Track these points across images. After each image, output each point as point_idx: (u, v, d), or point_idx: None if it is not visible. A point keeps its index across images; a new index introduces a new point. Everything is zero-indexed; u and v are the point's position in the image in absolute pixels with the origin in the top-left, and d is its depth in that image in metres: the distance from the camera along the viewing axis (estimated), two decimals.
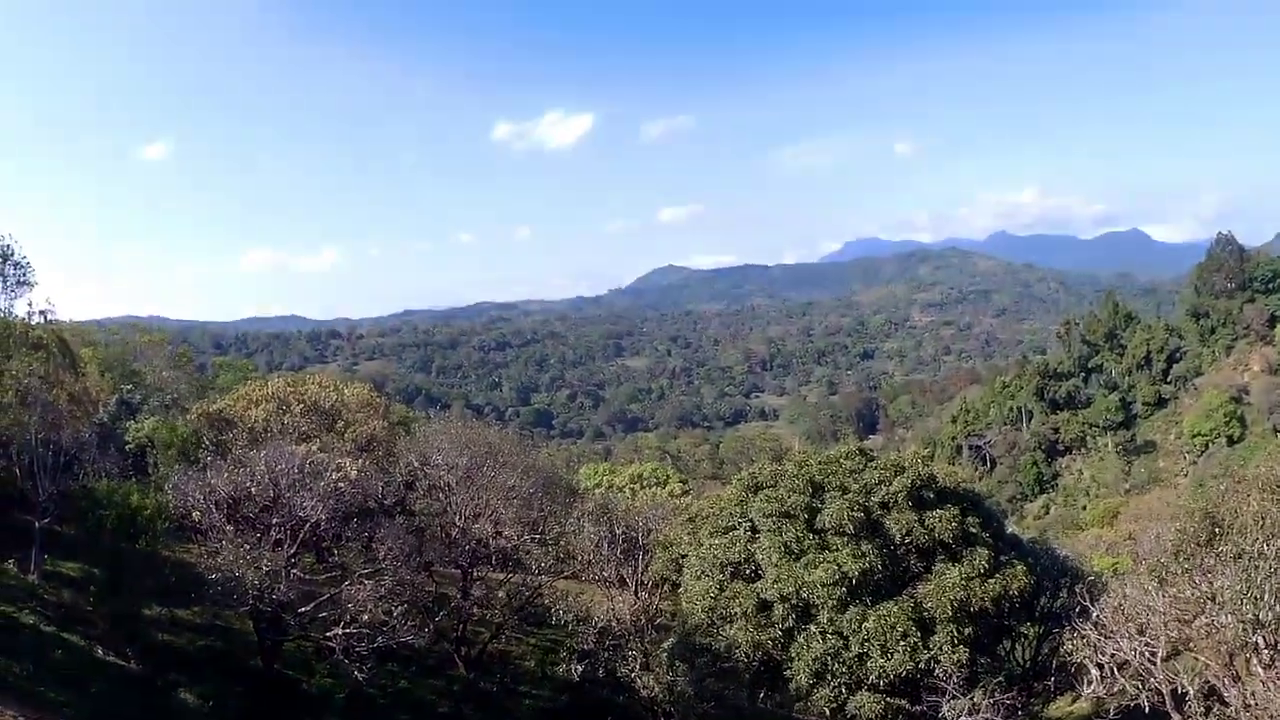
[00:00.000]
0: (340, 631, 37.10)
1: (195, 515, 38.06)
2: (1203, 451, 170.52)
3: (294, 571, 37.66)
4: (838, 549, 38.54)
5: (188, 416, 62.13)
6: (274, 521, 37.72)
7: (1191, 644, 32.08)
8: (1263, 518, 30.81)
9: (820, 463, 44.26)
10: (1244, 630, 28.06)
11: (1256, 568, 28.61)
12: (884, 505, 40.65)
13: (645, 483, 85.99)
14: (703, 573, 41.15)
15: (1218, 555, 31.84)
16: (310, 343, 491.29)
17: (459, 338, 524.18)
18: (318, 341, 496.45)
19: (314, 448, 44.26)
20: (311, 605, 37.52)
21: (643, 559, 49.49)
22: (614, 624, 45.46)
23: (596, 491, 74.84)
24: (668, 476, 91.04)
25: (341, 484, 39.95)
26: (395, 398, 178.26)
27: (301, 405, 57.95)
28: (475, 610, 49.19)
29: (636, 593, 47.91)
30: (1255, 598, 28.06)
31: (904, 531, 39.72)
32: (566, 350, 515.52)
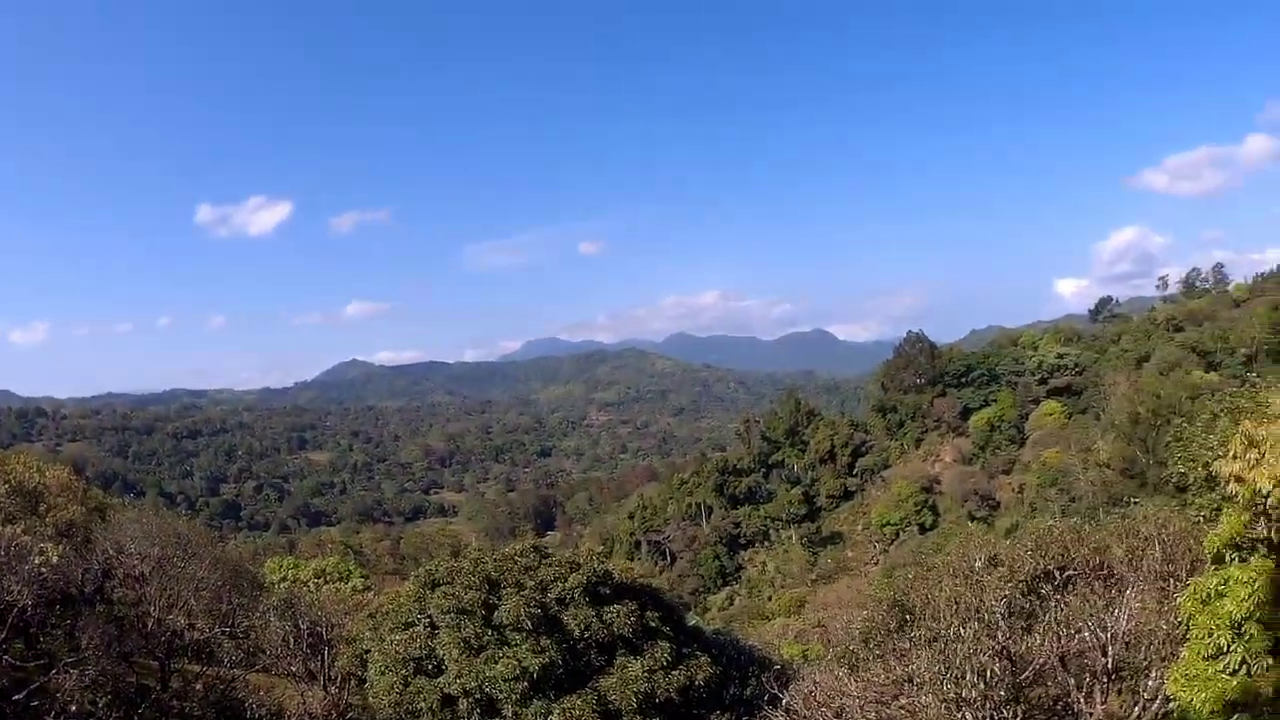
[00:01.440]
0: None
1: None
2: (893, 540, 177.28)
3: (5, 658, 34.86)
4: (517, 644, 38.66)
5: None
6: None
7: None
8: (956, 602, 32.02)
9: (496, 559, 44.69)
10: (947, 709, 28.37)
11: (955, 650, 29.24)
12: (561, 601, 41.04)
13: (329, 577, 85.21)
14: (386, 668, 40.43)
15: (911, 639, 32.69)
16: (19, 419, 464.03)
17: (154, 423, 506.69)
18: (25, 419, 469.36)
19: (18, 530, 40.56)
20: (24, 694, 34.77)
21: (329, 654, 48.73)
22: (306, 719, 44.91)
23: (282, 585, 74.13)
24: (350, 571, 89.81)
25: (44, 569, 36.60)
26: (95, 482, 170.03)
27: (6, 485, 54.03)
28: (175, 703, 46.38)
29: (326, 688, 47.19)
30: (957, 677, 28.46)
31: (583, 627, 40.09)
32: (254, 441, 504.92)
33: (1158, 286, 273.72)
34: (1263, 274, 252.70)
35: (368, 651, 43.77)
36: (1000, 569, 34.40)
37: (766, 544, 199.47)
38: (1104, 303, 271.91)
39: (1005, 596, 32.27)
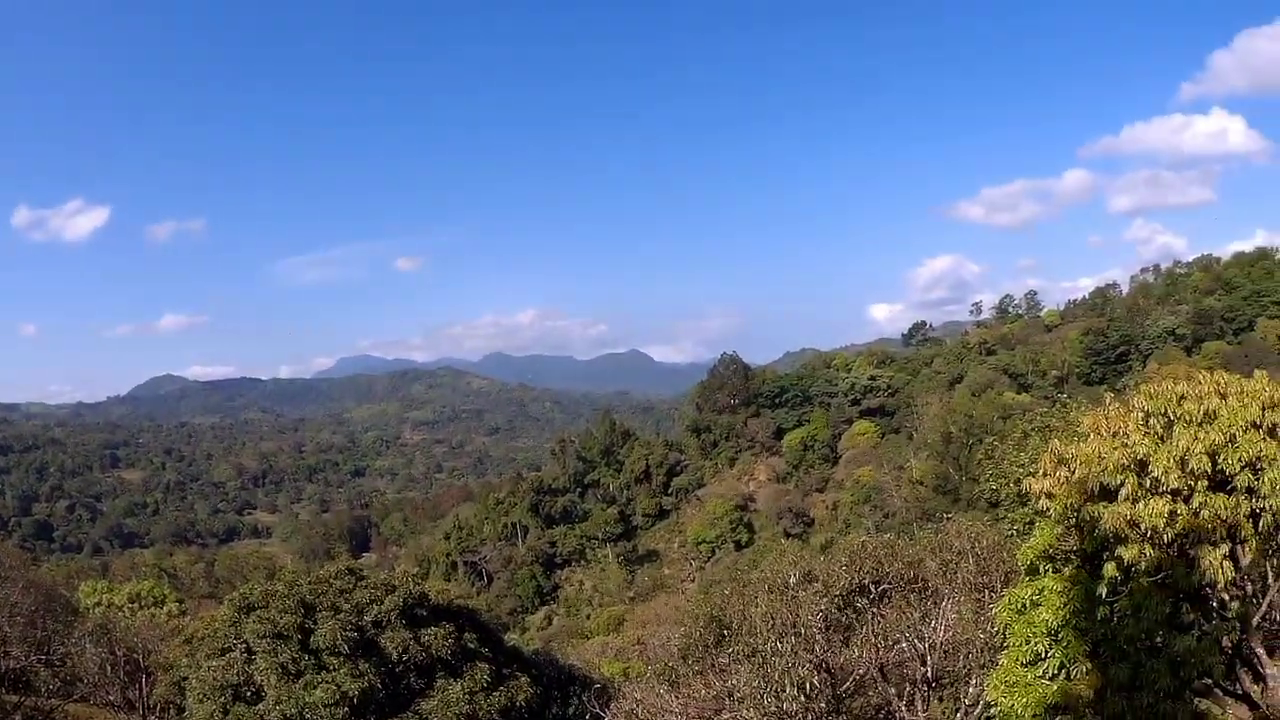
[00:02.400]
0: None
1: None
2: (709, 557, 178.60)
3: None
4: (335, 669, 37.91)
5: None
6: None
7: None
8: (772, 618, 32.17)
9: (311, 582, 43.75)
10: None
11: (773, 664, 29.77)
12: (377, 624, 40.55)
13: (144, 602, 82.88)
14: (205, 696, 39.08)
15: (730, 655, 33.01)
16: None
17: None
18: None
19: None
20: None
21: (147, 682, 47.88)
22: None
23: (97, 610, 72.10)
24: (165, 595, 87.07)
25: None
26: None
27: None
28: None
29: (145, 717, 46.55)
30: (777, 691, 28.98)
31: (401, 650, 39.79)
32: (66, 459, 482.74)
33: (971, 312, 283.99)
34: (1075, 301, 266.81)
35: (185, 679, 42.79)
36: (815, 584, 34.63)
37: (583, 563, 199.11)
38: (918, 327, 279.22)
39: (821, 611, 32.54)
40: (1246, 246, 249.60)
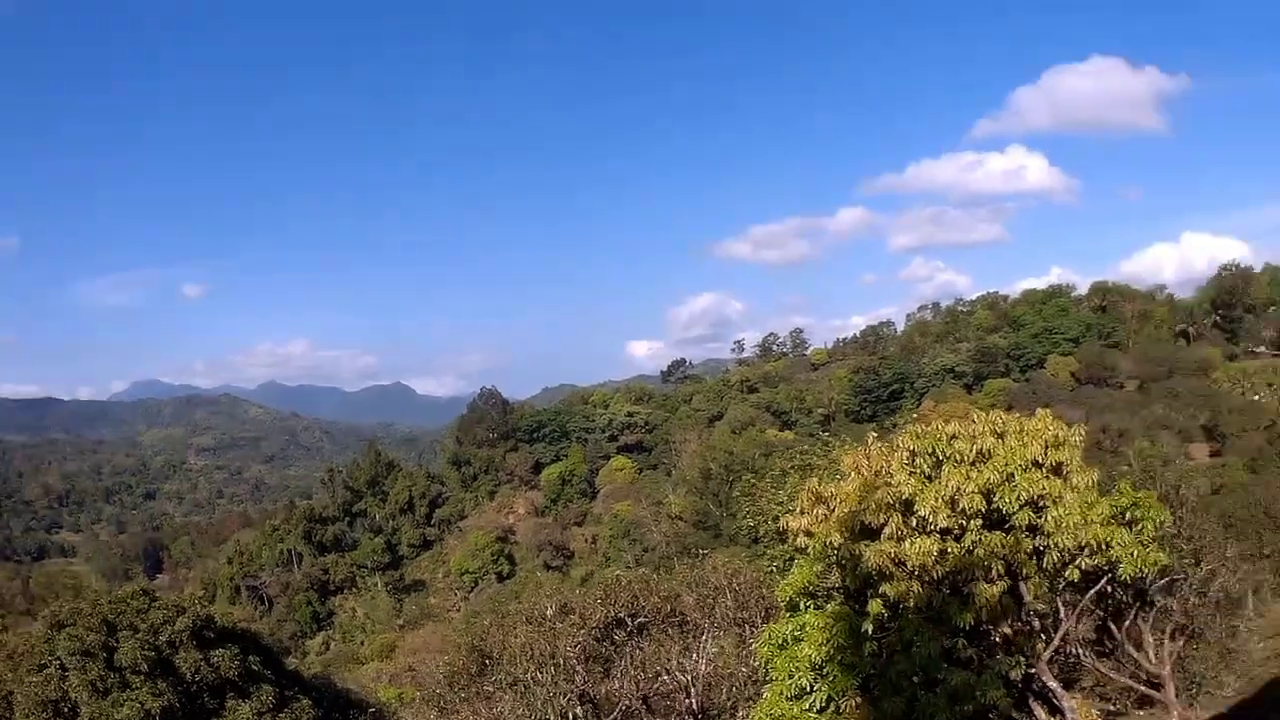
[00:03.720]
0: None
1: None
2: (473, 587, 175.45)
3: None
4: (138, 687, 37.81)
5: None
6: None
7: None
8: (530, 648, 31.84)
9: (111, 602, 43.12)
10: None
11: (535, 693, 30.16)
12: (172, 644, 40.35)
13: None
14: (29, 711, 38.52)
15: (494, 683, 33.01)
16: None
17: None
18: None
19: None
20: None
21: None
22: None
23: None
24: None
25: None
26: None
27: None
28: None
29: None
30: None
31: (193, 670, 39.86)
32: None
33: (733, 349, 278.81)
34: (845, 339, 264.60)
35: (11, 693, 41.09)
36: (573, 616, 33.89)
37: (355, 590, 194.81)
38: (677, 364, 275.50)
39: (579, 643, 31.95)
40: (1040, 284, 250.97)
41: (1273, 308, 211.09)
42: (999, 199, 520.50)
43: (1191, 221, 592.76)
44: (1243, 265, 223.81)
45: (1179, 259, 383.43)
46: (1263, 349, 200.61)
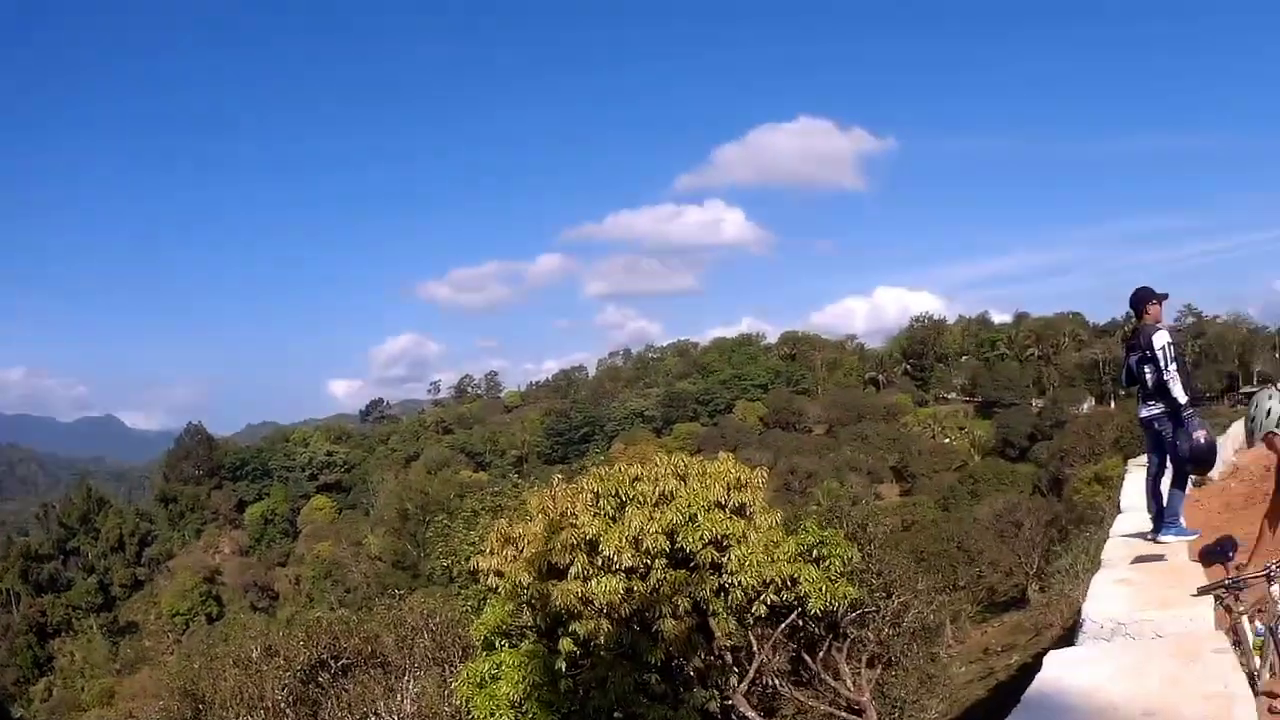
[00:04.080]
0: None
1: None
2: (184, 630, 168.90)
3: None
4: None
5: None
6: None
7: None
8: (240, 691, 30.99)
9: None
10: None
11: None
12: None
13: None
14: None
15: None
16: None
17: None
18: None
19: None
20: None
21: None
22: None
23: None
24: None
25: None
26: None
27: None
28: None
29: None
30: None
31: None
32: None
33: (430, 390, 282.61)
34: (536, 383, 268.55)
35: None
36: (278, 659, 32.52)
37: (73, 633, 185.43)
38: (375, 404, 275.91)
39: (286, 685, 30.93)
40: (731, 332, 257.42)
41: (965, 357, 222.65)
42: (695, 250, 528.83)
43: (886, 276, 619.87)
44: (935, 317, 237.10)
45: (871, 310, 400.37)
46: (953, 395, 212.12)
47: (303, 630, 34.34)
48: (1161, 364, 10.88)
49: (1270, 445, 8.30)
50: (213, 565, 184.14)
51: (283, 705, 30.27)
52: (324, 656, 31.68)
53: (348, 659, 31.84)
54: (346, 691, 30.60)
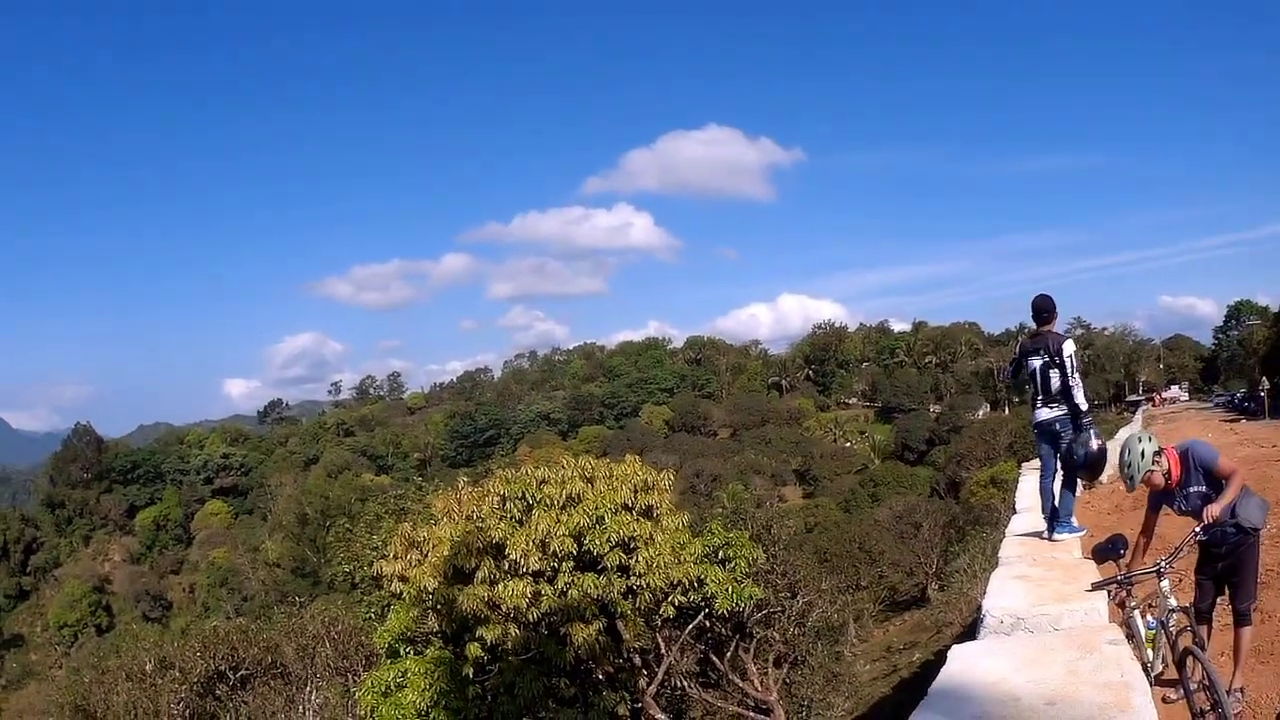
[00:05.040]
0: None
1: None
2: (73, 642, 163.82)
3: None
4: None
5: None
6: None
7: None
8: (134, 706, 29.96)
9: None
10: None
11: None
12: None
13: None
14: None
15: None
16: None
17: None
18: None
19: None
20: None
21: None
22: None
23: None
24: None
25: None
26: None
27: None
28: None
29: None
30: None
31: None
32: None
33: (330, 391, 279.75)
34: (441, 384, 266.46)
35: None
36: (173, 671, 31.43)
37: None
38: (274, 405, 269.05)
39: (183, 699, 29.87)
40: (637, 336, 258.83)
41: (865, 363, 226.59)
42: (602, 253, 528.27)
43: (790, 284, 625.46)
44: (837, 324, 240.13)
45: (775, 317, 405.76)
46: (854, 400, 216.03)
47: (199, 640, 33.65)
48: (1069, 370, 11.21)
49: (1149, 483, 9.04)
50: (102, 573, 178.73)
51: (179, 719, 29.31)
52: (222, 668, 31.06)
53: (247, 670, 31.26)
54: (246, 704, 30.12)
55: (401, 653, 21.57)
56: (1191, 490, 9.00)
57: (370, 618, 30.01)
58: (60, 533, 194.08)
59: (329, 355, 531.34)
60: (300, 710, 29.34)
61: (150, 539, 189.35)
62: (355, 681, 27.00)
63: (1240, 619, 9.18)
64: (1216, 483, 8.89)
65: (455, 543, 18.65)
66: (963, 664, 6.40)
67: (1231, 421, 59.63)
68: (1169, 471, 8.96)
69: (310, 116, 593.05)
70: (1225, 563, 9.09)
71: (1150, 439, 9.02)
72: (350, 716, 27.60)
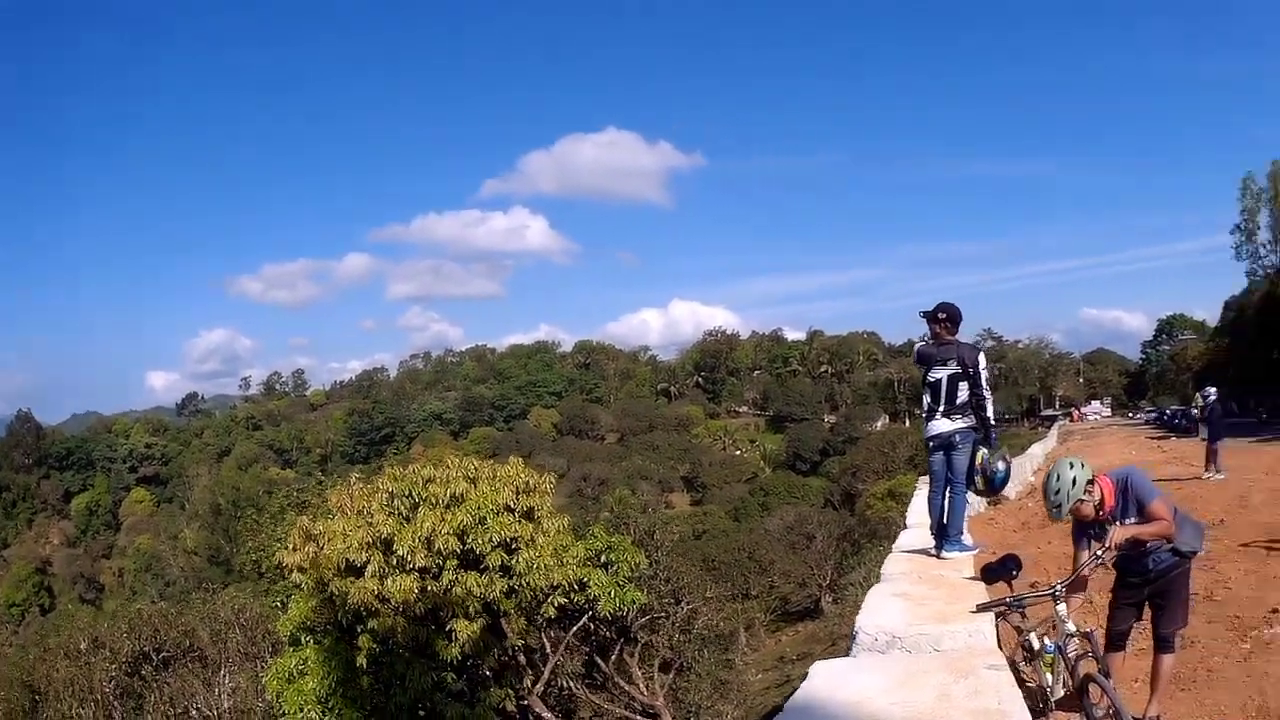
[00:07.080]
0: None
1: None
2: (20, 621, 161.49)
3: None
4: None
5: None
6: None
7: None
8: (72, 683, 30.09)
9: None
10: None
11: None
12: None
13: None
14: None
15: None
16: None
17: None
18: None
19: None
20: None
21: None
22: None
23: None
24: None
25: None
26: None
27: None
28: None
29: None
30: None
31: None
32: None
33: (240, 386, 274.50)
34: (341, 382, 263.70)
35: None
36: (104, 650, 31.41)
37: None
38: (190, 398, 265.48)
39: (113, 677, 29.99)
40: (528, 339, 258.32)
41: (757, 371, 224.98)
42: (497, 256, 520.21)
43: (683, 290, 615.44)
44: (729, 332, 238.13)
45: (666, 323, 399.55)
46: (745, 408, 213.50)
47: (125, 622, 33.57)
48: (981, 382, 10.53)
49: (1078, 513, 8.22)
50: (44, 555, 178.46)
51: (110, 697, 29.61)
52: (146, 649, 31.15)
53: (168, 652, 31.28)
54: (168, 685, 30.10)
55: (303, 641, 21.45)
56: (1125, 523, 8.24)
57: (276, 606, 29.96)
58: (7, 515, 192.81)
59: (240, 351, 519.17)
60: (216, 693, 29.37)
61: (84, 524, 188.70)
62: (263, 667, 27.03)
63: (1163, 645, 8.62)
64: (1148, 519, 8.15)
65: (347, 537, 18.68)
66: (826, 680, 6.03)
67: (1159, 439, 57.25)
68: (1101, 502, 8.18)
69: (221, 110, 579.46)
70: (1154, 587, 8.46)
71: (1082, 465, 8.17)
72: (260, 701, 27.61)
